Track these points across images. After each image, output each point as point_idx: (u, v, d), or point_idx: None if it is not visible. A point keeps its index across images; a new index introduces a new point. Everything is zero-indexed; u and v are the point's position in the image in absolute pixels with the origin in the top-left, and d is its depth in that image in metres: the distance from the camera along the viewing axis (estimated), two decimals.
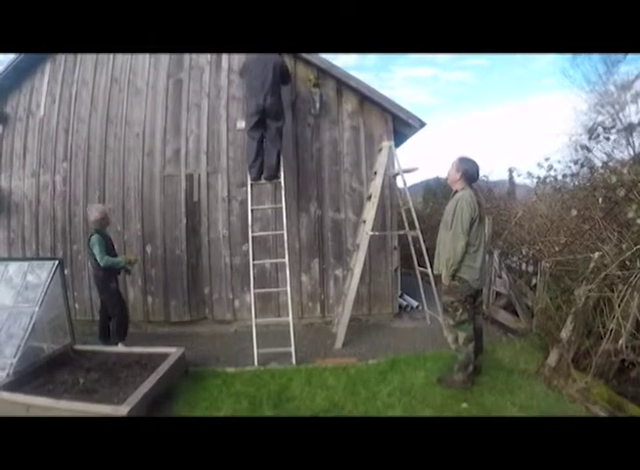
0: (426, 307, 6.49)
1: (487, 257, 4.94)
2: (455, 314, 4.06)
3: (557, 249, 5.19)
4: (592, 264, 4.11)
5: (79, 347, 4.82)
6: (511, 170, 12.24)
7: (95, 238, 5.13)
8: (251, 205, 5.74)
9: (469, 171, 4.10)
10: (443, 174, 13.48)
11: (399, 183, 6.62)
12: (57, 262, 4.57)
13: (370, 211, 5.70)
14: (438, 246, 4.21)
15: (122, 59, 6.66)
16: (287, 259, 5.46)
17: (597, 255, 4.11)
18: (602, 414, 3.45)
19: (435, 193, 12.87)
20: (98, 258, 5.04)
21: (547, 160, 6.13)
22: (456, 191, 4.14)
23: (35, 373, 4.07)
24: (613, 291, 3.79)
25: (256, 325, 5.13)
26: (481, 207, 4.05)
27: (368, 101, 6.45)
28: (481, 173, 5.29)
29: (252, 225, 5.73)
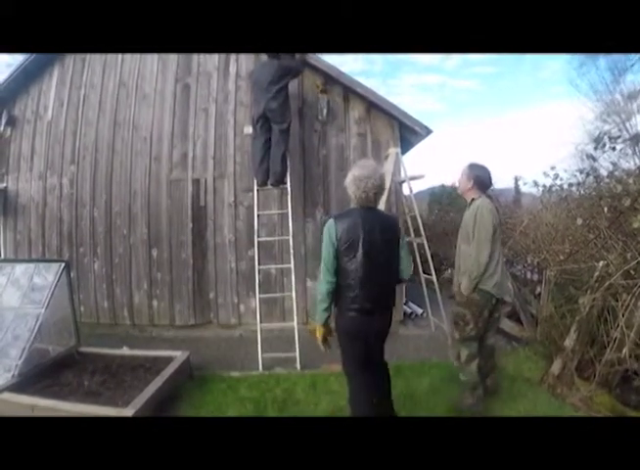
0: (430, 315, 6.45)
1: None
2: (464, 328, 3.73)
3: (562, 257, 5.19)
4: (596, 273, 4.11)
5: (84, 349, 4.83)
6: (517, 179, 12.22)
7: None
8: (258, 210, 5.76)
9: (480, 178, 3.77)
10: (448, 182, 13.47)
11: (405, 190, 6.64)
12: (63, 264, 4.57)
13: None
14: (458, 260, 3.92)
15: (130, 63, 6.72)
16: (292, 265, 5.49)
17: (602, 264, 4.11)
18: None
19: (441, 200, 12.87)
20: (407, 265, 3.10)
21: (553, 168, 6.15)
22: (472, 200, 3.78)
23: (40, 375, 4.08)
24: (617, 300, 3.80)
25: (261, 330, 5.15)
26: (499, 214, 3.83)
27: (375, 108, 6.46)
28: None
29: (259, 230, 5.75)
